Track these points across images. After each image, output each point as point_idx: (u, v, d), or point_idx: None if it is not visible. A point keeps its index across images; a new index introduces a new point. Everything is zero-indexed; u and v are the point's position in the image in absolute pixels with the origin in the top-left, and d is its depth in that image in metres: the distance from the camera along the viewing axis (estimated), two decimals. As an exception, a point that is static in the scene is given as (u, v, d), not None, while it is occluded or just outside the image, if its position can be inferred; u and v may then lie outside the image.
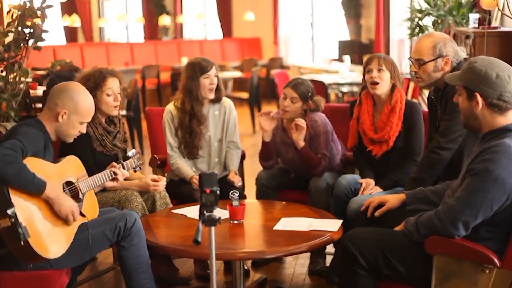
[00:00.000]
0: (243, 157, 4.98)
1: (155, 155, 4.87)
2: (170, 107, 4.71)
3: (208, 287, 4.39)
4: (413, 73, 3.92)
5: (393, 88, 4.28)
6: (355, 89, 10.37)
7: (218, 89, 4.65)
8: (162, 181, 4.17)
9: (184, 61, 13.85)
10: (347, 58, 11.98)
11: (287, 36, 15.81)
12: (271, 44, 15.66)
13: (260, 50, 16.01)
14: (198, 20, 16.93)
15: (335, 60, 13.10)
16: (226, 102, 4.79)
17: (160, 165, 4.82)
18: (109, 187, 3.85)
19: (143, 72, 12.29)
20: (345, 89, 10.06)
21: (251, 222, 3.95)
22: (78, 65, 10.10)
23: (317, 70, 12.10)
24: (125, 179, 4.08)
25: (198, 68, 4.56)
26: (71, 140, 3.59)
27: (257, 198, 4.68)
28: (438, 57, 3.77)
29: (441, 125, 3.78)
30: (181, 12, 17.70)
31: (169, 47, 15.31)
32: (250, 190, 4.95)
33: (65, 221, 3.32)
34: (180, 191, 4.54)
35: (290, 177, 4.82)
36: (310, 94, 4.57)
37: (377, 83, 4.25)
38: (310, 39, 15.34)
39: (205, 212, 2.63)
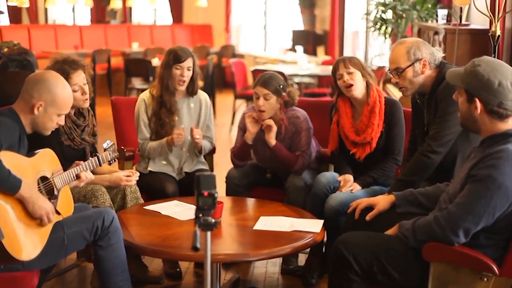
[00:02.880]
0: (213, 150, 4.83)
1: (122, 147, 4.65)
2: (145, 96, 4.57)
3: (179, 286, 4.25)
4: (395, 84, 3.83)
5: (367, 87, 4.18)
6: (312, 80, 10.30)
7: (192, 82, 4.52)
8: (135, 176, 3.99)
9: (135, 46, 13.55)
10: (299, 48, 11.90)
11: (239, 23, 15.62)
12: (223, 32, 15.45)
13: (211, 37, 15.77)
14: (149, 4, 16.56)
15: (289, 50, 12.99)
16: (203, 95, 4.66)
17: (128, 157, 4.61)
18: (72, 186, 3.59)
19: (93, 57, 11.94)
20: (302, 79, 9.95)
21: (229, 221, 3.80)
22: (25, 47, 9.72)
23: (273, 60, 11.98)
24: (95, 173, 3.89)
25: (172, 56, 4.46)
26: (48, 133, 3.37)
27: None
28: (414, 61, 3.68)
29: (432, 129, 3.70)
30: (131, -5, 17.31)
31: (119, 31, 14.93)
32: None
33: (39, 221, 3.12)
34: (151, 185, 4.36)
35: (262, 175, 4.67)
36: (282, 87, 4.41)
37: (352, 85, 4.15)
38: (263, 27, 15.20)
39: (200, 216, 2.48)
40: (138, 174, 4.03)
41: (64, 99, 3.34)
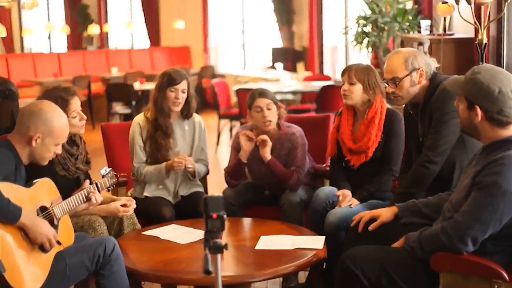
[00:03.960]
0: (207, 172, 4.79)
1: (115, 173, 4.60)
2: (139, 119, 4.53)
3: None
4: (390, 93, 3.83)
5: (369, 101, 4.18)
6: (295, 97, 10.30)
7: (187, 104, 4.49)
8: (132, 205, 3.93)
9: (114, 71, 13.51)
10: (278, 65, 11.92)
11: (217, 44, 15.62)
12: (201, 53, 15.43)
13: (189, 59, 15.74)
14: (126, 29, 16.55)
15: (269, 68, 13.00)
16: (197, 118, 4.64)
17: (122, 183, 4.54)
18: (81, 210, 3.57)
19: (74, 83, 11.86)
20: (285, 96, 9.94)
21: (230, 241, 3.75)
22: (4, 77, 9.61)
23: (254, 79, 11.97)
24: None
25: (167, 79, 4.42)
26: (45, 163, 3.34)
27: (223, 217, 4.48)
28: (412, 71, 3.67)
29: (428, 139, 3.68)
30: (106, 21, 17.30)
31: (97, 57, 14.88)
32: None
33: (40, 249, 3.07)
34: (147, 210, 4.30)
35: (257, 193, 4.64)
36: (276, 98, 4.50)
37: (347, 95, 4.17)
38: (241, 46, 15.20)
39: (209, 239, 2.44)
40: (134, 202, 3.98)
41: (61, 129, 3.31)
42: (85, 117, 3.89)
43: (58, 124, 3.28)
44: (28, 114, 3.25)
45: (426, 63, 3.72)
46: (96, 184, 3.62)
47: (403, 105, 3.96)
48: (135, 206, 3.94)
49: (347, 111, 4.29)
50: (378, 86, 4.16)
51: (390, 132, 4.16)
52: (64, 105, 3.71)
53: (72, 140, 3.97)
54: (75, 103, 3.83)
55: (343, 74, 4.22)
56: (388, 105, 4.34)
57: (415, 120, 3.84)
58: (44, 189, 3.28)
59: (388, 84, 3.74)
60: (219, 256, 2.42)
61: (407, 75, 3.67)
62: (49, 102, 3.42)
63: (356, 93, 4.15)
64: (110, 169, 3.80)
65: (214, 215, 2.43)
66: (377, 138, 4.14)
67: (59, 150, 3.35)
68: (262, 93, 4.42)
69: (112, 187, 3.79)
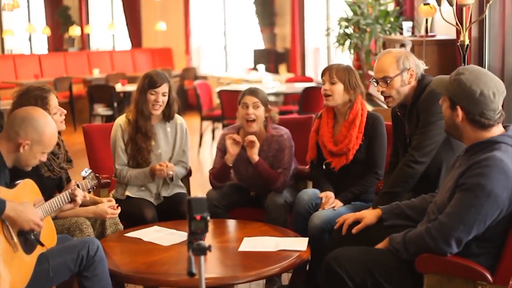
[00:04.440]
0: (189, 173, 4.77)
1: (97, 174, 4.57)
2: (121, 121, 4.50)
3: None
4: (380, 93, 3.83)
5: (350, 101, 4.18)
6: (277, 99, 10.30)
7: (169, 106, 4.47)
8: (118, 209, 3.91)
9: (96, 72, 13.45)
10: (261, 66, 11.92)
11: (199, 45, 15.59)
12: (183, 54, 15.40)
13: (171, 61, 15.71)
14: (108, 30, 16.46)
15: (251, 69, 13.00)
16: (179, 120, 4.62)
17: (104, 184, 4.52)
18: (67, 209, 3.54)
19: (55, 85, 11.80)
20: (271, 98, 9.94)
21: (213, 243, 3.73)
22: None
23: (237, 80, 11.97)
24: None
25: (147, 81, 4.39)
26: (29, 169, 3.30)
27: (207, 218, 4.47)
28: (403, 70, 3.69)
29: (414, 140, 3.69)
30: (87, 22, 17.22)
31: (79, 58, 14.81)
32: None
33: (24, 250, 3.04)
34: (129, 212, 4.26)
35: (241, 195, 4.62)
36: (267, 100, 4.49)
37: (329, 95, 4.16)
38: (223, 48, 15.19)
39: (193, 240, 2.42)
40: (114, 201, 3.96)
41: (50, 138, 3.28)
42: (65, 112, 3.86)
43: (48, 133, 3.25)
44: (19, 120, 3.21)
45: (416, 64, 3.74)
46: (77, 185, 3.59)
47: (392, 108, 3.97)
48: (119, 210, 3.92)
49: (327, 113, 4.29)
50: (358, 87, 4.17)
51: (374, 135, 4.15)
52: (45, 103, 3.69)
53: (54, 140, 3.94)
54: (54, 99, 3.80)
55: (323, 74, 4.21)
56: (370, 107, 4.34)
57: (402, 121, 3.85)
58: (27, 190, 3.24)
59: (378, 83, 3.74)
60: (202, 258, 2.42)
61: (398, 75, 3.68)
62: (40, 110, 3.36)
63: (338, 93, 4.15)
64: (91, 170, 3.76)
65: (198, 217, 2.42)
66: (358, 141, 4.13)
67: (44, 158, 3.33)
68: (252, 92, 4.43)
69: (93, 188, 3.76)
